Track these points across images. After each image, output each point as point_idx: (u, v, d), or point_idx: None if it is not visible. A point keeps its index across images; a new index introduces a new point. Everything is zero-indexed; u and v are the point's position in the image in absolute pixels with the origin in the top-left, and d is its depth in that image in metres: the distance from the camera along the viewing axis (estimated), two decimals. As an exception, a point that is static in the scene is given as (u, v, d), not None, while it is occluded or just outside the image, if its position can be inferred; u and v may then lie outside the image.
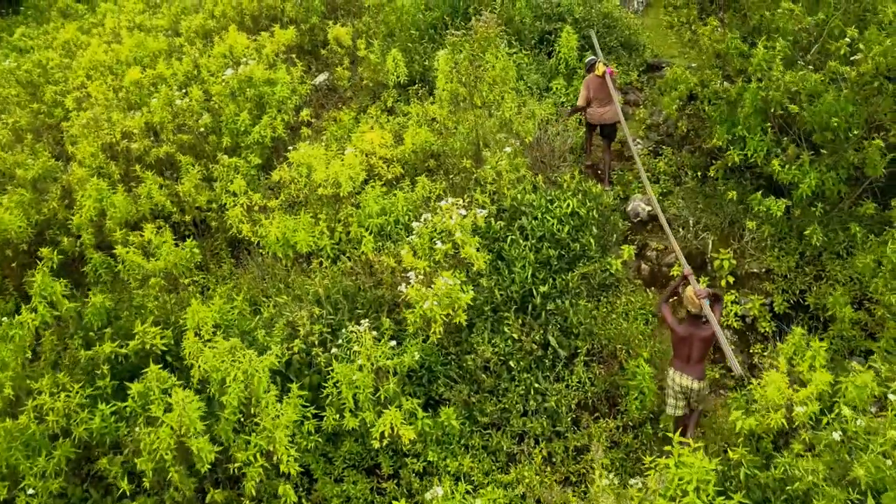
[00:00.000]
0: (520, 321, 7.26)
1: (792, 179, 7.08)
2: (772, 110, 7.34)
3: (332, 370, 6.47)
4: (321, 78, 13.60)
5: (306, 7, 13.22)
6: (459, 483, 6.03)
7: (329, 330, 7.15)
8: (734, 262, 7.75)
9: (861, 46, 7.29)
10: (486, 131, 8.68)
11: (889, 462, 4.85)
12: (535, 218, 7.86)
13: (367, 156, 9.21)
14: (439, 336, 6.64)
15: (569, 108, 10.57)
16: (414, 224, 7.34)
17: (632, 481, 6.28)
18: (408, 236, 8.20)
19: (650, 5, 14.31)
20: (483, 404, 6.94)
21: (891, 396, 5.22)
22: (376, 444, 6.27)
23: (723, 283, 7.75)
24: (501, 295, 7.39)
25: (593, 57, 10.00)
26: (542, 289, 7.35)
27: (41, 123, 11.58)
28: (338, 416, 6.51)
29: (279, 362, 6.66)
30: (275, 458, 5.99)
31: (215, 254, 9.63)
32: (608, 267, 7.80)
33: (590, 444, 6.82)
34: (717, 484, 4.98)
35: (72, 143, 10.28)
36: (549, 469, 6.70)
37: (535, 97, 10.61)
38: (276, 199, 8.66)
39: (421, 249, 7.23)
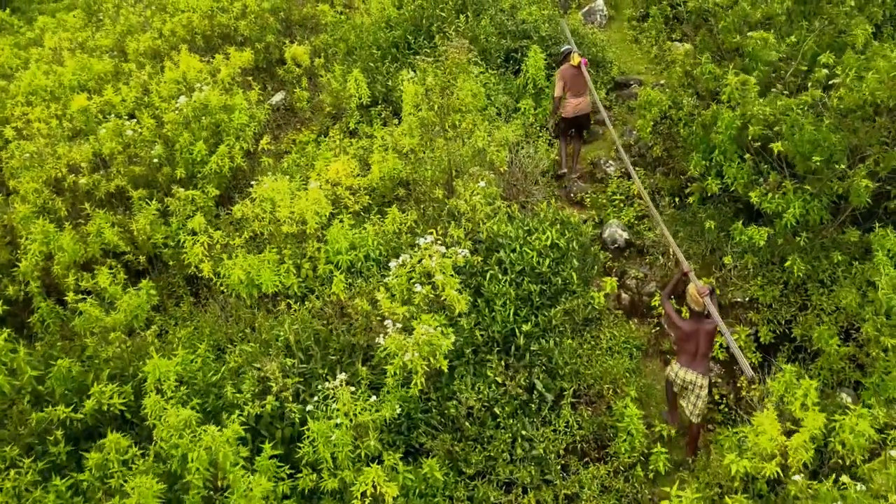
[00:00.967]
0: (503, 363, 6.95)
1: (775, 209, 6.92)
2: (749, 139, 7.18)
3: (308, 429, 6.05)
4: (278, 97, 13.11)
5: (261, 25, 12.70)
6: (446, 539, 5.69)
7: (301, 379, 6.74)
8: (717, 291, 7.57)
9: (838, 71, 7.19)
10: (458, 160, 8.35)
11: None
12: (514, 250, 7.57)
13: (332, 185, 8.79)
14: (421, 387, 6.27)
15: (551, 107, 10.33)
16: (391, 264, 6.95)
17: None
18: (380, 272, 7.82)
19: (612, 18, 14.19)
20: (467, 453, 6.60)
21: (892, 453, 5.05)
22: (357, 504, 5.87)
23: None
24: (483, 335, 7.07)
25: (568, 47, 9.94)
26: (525, 327, 7.05)
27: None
28: (314, 475, 6.10)
29: (251, 417, 6.24)
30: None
31: (172, 292, 9.09)
32: (591, 301, 7.55)
33: (580, 492, 6.54)
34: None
35: (12, 177, 9.60)
36: (539, 520, 6.40)
37: (504, 118, 10.33)
38: (239, 236, 8.16)
39: (398, 292, 6.85)
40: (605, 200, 9.56)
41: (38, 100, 11.32)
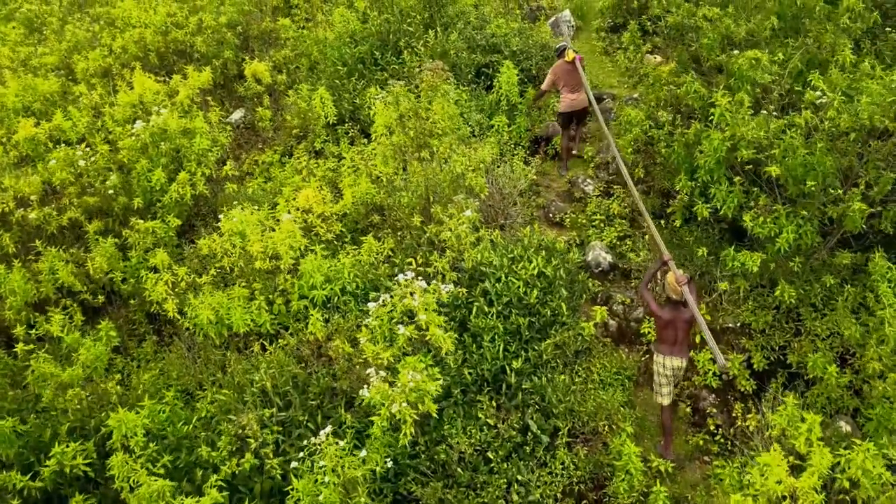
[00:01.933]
0: (494, 404, 6.60)
1: (768, 234, 6.73)
2: (739, 161, 6.98)
3: (291, 487, 5.61)
4: (237, 115, 12.56)
5: (218, 40, 12.12)
6: None
7: (280, 428, 6.29)
8: (708, 316, 7.37)
9: (825, 90, 7.05)
10: (435, 186, 7.98)
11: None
12: (499, 280, 7.23)
13: (303, 212, 8.34)
14: (410, 437, 5.88)
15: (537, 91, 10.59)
16: (370, 305, 6.53)
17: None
18: (357, 307, 7.41)
19: (580, 28, 13.99)
20: (460, 501, 6.22)
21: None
22: (349, 567, 5.47)
23: (697, 339, 7.35)
24: (471, 374, 6.71)
25: (564, 42, 10.09)
26: (516, 364, 6.72)
27: None
28: (300, 536, 5.67)
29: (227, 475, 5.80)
30: None
31: (133, 330, 8.53)
32: (581, 332, 7.26)
33: (580, 538, 6.25)
34: None
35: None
36: (538, 571, 6.08)
37: (478, 137, 10.00)
38: (206, 273, 7.65)
39: (380, 334, 6.44)
40: (584, 220, 9.31)
41: (-21, 125, 10.57)
